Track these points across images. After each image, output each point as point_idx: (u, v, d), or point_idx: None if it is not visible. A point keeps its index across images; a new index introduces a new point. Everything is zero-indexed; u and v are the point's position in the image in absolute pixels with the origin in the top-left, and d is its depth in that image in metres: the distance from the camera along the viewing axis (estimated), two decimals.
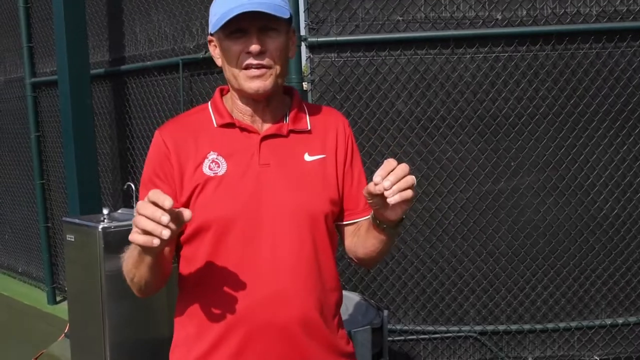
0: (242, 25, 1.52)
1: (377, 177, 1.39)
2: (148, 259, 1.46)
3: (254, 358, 1.57)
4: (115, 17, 4.91)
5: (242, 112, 1.64)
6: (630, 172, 3.63)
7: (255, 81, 1.55)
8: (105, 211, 3.50)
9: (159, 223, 1.27)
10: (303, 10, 3.55)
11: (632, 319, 3.75)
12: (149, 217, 1.27)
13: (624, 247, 3.69)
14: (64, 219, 3.73)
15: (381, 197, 1.42)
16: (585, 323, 3.74)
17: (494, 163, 3.61)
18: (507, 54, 3.56)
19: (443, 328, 3.75)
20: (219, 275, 1.57)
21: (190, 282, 1.63)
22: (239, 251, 1.56)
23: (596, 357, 3.79)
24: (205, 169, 1.59)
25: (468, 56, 3.58)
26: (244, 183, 1.58)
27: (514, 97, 3.58)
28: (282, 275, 1.56)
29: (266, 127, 1.64)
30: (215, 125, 1.63)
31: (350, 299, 3.07)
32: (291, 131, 1.65)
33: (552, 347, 3.78)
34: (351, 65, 3.61)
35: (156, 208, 1.28)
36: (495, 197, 3.63)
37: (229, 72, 1.58)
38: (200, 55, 4.06)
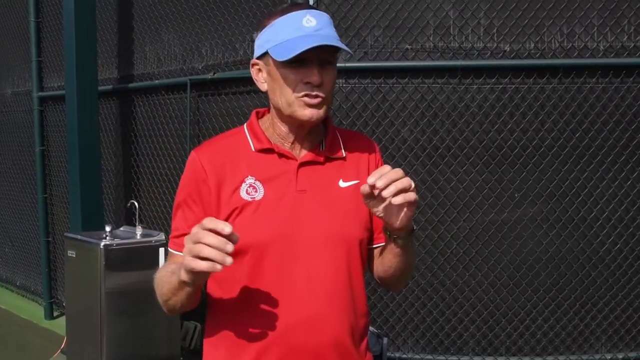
0: (305, 56, 1.53)
1: (370, 178, 1.44)
2: (189, 288, 1.49)
3: None
4: (125, 35, 4.95)
5: (282, 138, 1.67)
6: (634, 207, 3.64)
7: (310, 109, 1.58)
8: (107, 228, 3.51)
9: (222, 251, 1.32)
10: None
11: (632, 355, 3.73)
12: (213, 246, 1.32)
13: (625, 281, 3.68)
14: (65, 234, 3.74)
15: (379, 200, 1.49)
16: (585, 357, 3.72)
17: (497, 194, 3.61)
18: (514, 86, 3.58)
19: (442, 357, 3.72)
20: (254, 298, 1.60)
21: (223, 304, 1.65)
22: (275, 275, 1.59)
23: None
24: (243, 193, 1.62)
25: (475, 86, 3.60)
26: (281, 208, 1.61)
27: (520, 128, 3.59)
28: (317, 300, 1.59)
29: (303, 154, 1.67)
30: (253, 150, 1.66)
31: None
32: (327, 158, 1.68)
33: None
34: (359, 91, 3.63)
35: (219, 237, 1.33)
36: (498, 227, 3.63)
37: (282, 98, 1.59)
38: (209, 76, 4.08)
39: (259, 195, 1.62)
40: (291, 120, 1.62)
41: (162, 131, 4.65)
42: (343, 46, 1.53)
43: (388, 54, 3.61)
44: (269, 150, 1.65)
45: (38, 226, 5.97)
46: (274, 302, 1.59)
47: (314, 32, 1.53)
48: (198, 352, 4.06)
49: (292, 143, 1.66)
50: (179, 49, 4.47)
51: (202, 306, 4.04)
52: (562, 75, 3.57)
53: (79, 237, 3.62)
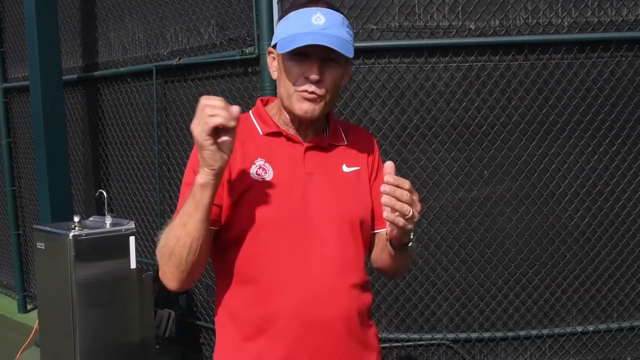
0: (306, 50, 1.59)
1: (388, 177, 1.47)
2: (200, 212, 1.51)
3: (306, 354, 1.63)
4: (88, 22, 4.88)
5: (287, 125, 1.73)
6: (601, 181, 3.67)
7: (306, 103, 1.64)
8: (76, 219, 3.46)
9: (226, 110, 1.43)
10: (277, 18, 3.54)
11: (602, 327, 3.79)
12: (218, 107, 1.42)
13: (594, 255, 3.73)
14: (34, 226, 3.69)
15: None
16: (556, 330, 3.77)
17: (466, 171, 3.63)
18: (480, 64, 3.59)
19: (416, 336, 3.75)
20: (267, 274, 1.64)
21: (235, 282, 1.68)
22: (288, 253, 1.64)
23: None
24: (253, 173, 1.67)
25: (441, 65, 3.60)
26: (291, 189, 1.67)
27: (487, 106, 3.61)
28: (329, 276, 1.65)
29: (309, 139, 1.73)
30: (261, 134, 1.72)
31: None
32: (331, 144, 1.76)
33: (524, 354, 3.80)
34: None
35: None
36: (468, 205, 3.65)
37: (284, 89, 1.67)
38: (174, 62, 4.04)
39: (269, 176, 1.68)
40: (290, 112, 1.69)
41: (130, 119, 4.60)
42: (338, 48, 1.57)
43: (353, 34, 3.58)
44: (277, 134, 1.72)
45: (8, 219, 5.89)
46: (287, 278, 1.63)
47: (319, 31, 1.58)
48: (173, 340, 4.07)
49: (297, 130, 1.73)
50: (143, 35, 4.41)
51: (176, 294, 4.02)
52: (527, 51, 3.58)
53: (47, 228, 3.56)
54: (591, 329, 3.78)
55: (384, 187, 1.46)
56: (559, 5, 3.56)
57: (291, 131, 1.72)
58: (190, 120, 3.83)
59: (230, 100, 3.86)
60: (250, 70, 3.71)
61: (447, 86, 3.60)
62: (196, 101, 4.30)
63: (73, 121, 5.13)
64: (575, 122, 3.63)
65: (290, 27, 1.61)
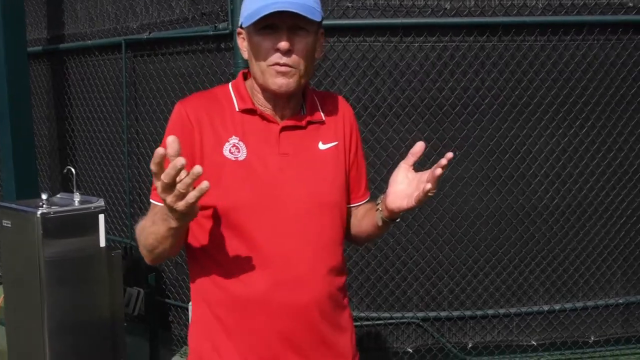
0: (273, 22, 1.54)
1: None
2: (176, 233, 1.50)
3: (276, 337, 1.62)
4: None
5: (261, 105, 1.67)
6: (570, 163, 3.72)
7: (280, 78, 1.58)
8: (44, 196, 3.38)
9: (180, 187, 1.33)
10: None
11: (568, 305, 3.86)
12: (183, 188, 1.32)
13: (562, 236, 3.79)
14: None
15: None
16: (524, 309, 3.84)
17: (439, 152, 3.62)
18: (454, 44, 3.58)
19: (386, 314, 3.78)
20: (240, 257, 1.62)
21: (208, 263, 1.67)
22: (261, 236, 1.61)
23: (533, 342, 3.89)
24: (226, 152, 1.62)
25: (416, 45, 3.58)
26: (264, 170, 1.62)
27: (461, 86, 3.61)
28: (303, 260, 1.63)
29: (285, 118, 1.68)
30: (237, 109, 1.66)
31: None
32: (308, 122, 1.70)
33: (492, 332, 3.86)
34: None
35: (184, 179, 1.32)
36: (440, 186, 3.64)
37: (256, 66, 1.61)
38: (144, 36, 3.95)
39: (242, 155, 1.63)
40: (266, 89, 1.63)
41: (97, 93, 4.50)
42: (303, 12, 1.52)
43: (328, 12, 3.55)
44: (251, 112, 1.67)
45: None
46: (259, 262, 1.61)
47: (283, 0, 1.52)
48: (142, 318, 4.03)
49: (274, 109, 1.68)
50: (112, 7, 4.30)
51: (146, 271, 3.97)
52: (501, 33, 3.58)
53: (13, 206, 3.47)
54: (557, 307, 3.86)
55: (429, 185, 1.53)
56: None
57: (267, 111, 1.67)
58: (161, 95, 3.78)
59: (203, 77, 3.80)
60: (223, 47, 3.65)
61: (422, 66, 3.59)
62: (166, 76, 4.19)
63: (37, 95, 5.00)
64: (547, 104, 3.66)
65: (254, 2, 1.55)
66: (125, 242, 4.22)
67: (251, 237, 1.60)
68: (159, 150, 1.30)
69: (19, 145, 4.16)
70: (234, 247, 1.62)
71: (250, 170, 1.61)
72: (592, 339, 3.94)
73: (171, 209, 1.38)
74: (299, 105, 1.71)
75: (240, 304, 1.62)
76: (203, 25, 3.74)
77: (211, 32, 3.59)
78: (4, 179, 4.24)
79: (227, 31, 3.50)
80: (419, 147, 1.58)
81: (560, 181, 3.74)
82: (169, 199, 1.35)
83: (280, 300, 1.61)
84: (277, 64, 1.56)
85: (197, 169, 1.30)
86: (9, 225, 3.48)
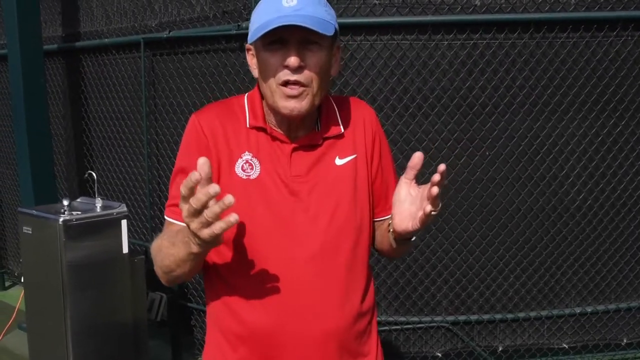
0: (281, 36, 1.42)
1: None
2: (198, 258, 1.43)
3: None
4: None
5: (273, 124, 1.57)
6: (604, 163, 3.62)
7: (291, 101, 1.46)
8: (65, 202, 3.30)
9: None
10: None
11: (600, 308, 3.78)
12: (213, 215, 1.24)
13: (595, 237, 3.69)
14: (19, 209, 3.52)
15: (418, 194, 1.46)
16: (555, 312, 3.75)
17: (469, 153, 3.54)
18: (485, 42, 3.47)
19: (415, 319, 3.70)
20: (253, 283, 1.52)
21: (224, 285, 1.58)
22: (274, 261, 1.51)
23: (565, 345, 3.81)
24: (238, 169, 1.53)
25: (445, 43, 3.47)
26: (277, 192, 1.52)
27: (492, 85, 3.50)
28: (320, 287, 1.52)
29: (299, 137, 1.56)
30: (248, 126, 1.56)
31: None
32: (324, 139, 1.58)
33: (523, 336, 3.78)
34: None
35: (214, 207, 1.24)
36: (471, 187, 3.57)
37: (266, 86, 1.49)
38: (164, 34, 3.84)
39: (255, 173, 1.53)
40: (276, 113, 1.53)
41: (115, 93, 4.40)
42: (312, 26, 1.40)
43: (355, 9, 3.44)
44: (262, 129, 1.55)
45: None
46: (272, 290, 1.52)
47: (292, 13, 1.41)
48: (164, 324, 3.96)
49: (287, 129, 1.56)
50: (129, 4, 4.20)
51: None
52: (533, 30, 3.47)
53: (34, 212, 3.39)
54: (589, 310, 3.77)
55: (429, 206, 1.39)
56: None
57: (279, 130, 1.55)
58: (181, 95, 3.69)
59: (225, 76, 3.70)
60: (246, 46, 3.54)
61: (451, 64, 3.49)
62: (187, 76, 4.11)
63: (53, 93, 4.90)
64: (580, 102, 3.56)
65: (262, 16, 1.44)
66: (146, 246, 4.14)
67: (263, 263, 1.51)
68: (194, 175, 1.22)
69: (35, 147, 4.07)
70: (245, 273, 1.53)
71: (263, 191, 1.52)
72: (625, 341, 3.85)
73: (194, 234, 1.29)
74: (313, 121, 1.59)
75: (252, 333, 1.54)
76: (225, 24, 3.64)
77: (234, 32, 3.49)
78: (22, 182, 4.16)
79: None
80: (417, 158, 1.45)
81: (593, 181, 3.64)
82: (194, 224, 1.27)
83: (293, 330, 1.52)
84: (287, 82, 1.44)
85: (229, 198, 1.22)
86: (30, 232, 3.41)
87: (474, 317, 3.71)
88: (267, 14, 1.43)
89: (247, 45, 1.56)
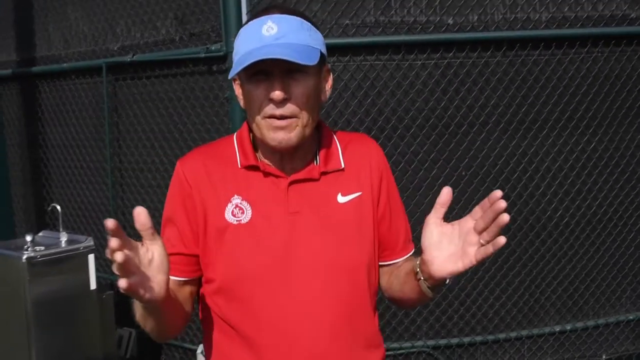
0: (264, 67, 1.33)
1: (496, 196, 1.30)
2: (154, 317, 1.35)
3: None
4: (23, 12, 4.43)
5: (266, 159, 1.47)
6: (579, 179, 3.61)
7: (279, 133, 1.38)
8: (28, 238, 3.13)
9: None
10: (246, 12, 3.28)
11: (579, 325, 3.75)
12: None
13: (572, 254, 3.67)
14: None
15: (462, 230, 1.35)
16: (535, 331, 3.71)
17: (447, 173, 3.49)
18: (458, 61, 3.44)
19: (396, 345, 3.61)
20: (250, 333, 1.42)
21: (221, 335, 1.48)
22: (270, 311, 1.41)
23: None
24: (228, 214, 1.43)
25: (419, 62, 3.42)
26: (271, 233, 1.41)
27: (466, 104, 3.46)
28: (320, 336, 1.42)
29: (295, 171, 1.46)
30: (239, 166, 1.46)
31: None
32: (323, 173, 1.47)
33: (503, 357, 3.73)
34: None
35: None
36: (449, 208, 3.50)
37: (252, 120, 1.41)
38: (128, 58, 3.70)
39: (246, 217, 1.43)
40: (265, 145, 1.44)
41: (75, 119, 4.22)
42: (292, 58, 1.31)
43: (327, 30, 3.37)
44: (254, 168, 1.46)
45: None
46: (271, 341, 1.41)
47: (273, 42, 1.34)
48: None
49: (280, 162, 1.46)
50: (89, 28, 4.03)
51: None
52: (506, 48, 3.45)
53: None
54: (568, 327, 3.74)
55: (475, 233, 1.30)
56: (537, 0, 3.45)
57: (272, 166, 1.47)
58: (147, 121, 3.54)
59: (193, 101, 3.57)
60: (215, 69, 3.43)
61: (425, 84, 3.43)
62: (152, 101, 3.98)
63: (8, 120, 4.68)
64: (554, 120, 3.54)
65: (242, 45, 1.38)
66: (112, 279, 3.96)
67: (258, 311, 1.42)
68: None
69: None
70: (241, 322, 1.44)
71: (255, 234, 1.43)
72: (604, 357, 3.84)
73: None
74: (311, 153, 1.50)
75: None
76: (192, 47, 3.52)
77: (203, 54, 3.37)
78: None
79: (222, 53, 3.28)
80: (446, 195, 1.36)
81: (569, 198, 3.62)
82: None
83: None
84: (273, 116, 1.37)
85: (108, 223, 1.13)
86: None
87: (454, 341, 3.64)
88: (248, 43, 1.37)
89: (233, 76, 1.47)
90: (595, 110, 3.57)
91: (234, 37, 3.16)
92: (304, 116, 1.39)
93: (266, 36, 1.35)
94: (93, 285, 3.22)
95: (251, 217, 1.43)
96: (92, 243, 3.22)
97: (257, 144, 1.49)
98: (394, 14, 3.39)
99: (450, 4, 3.40)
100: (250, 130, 1.48)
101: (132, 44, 3.80)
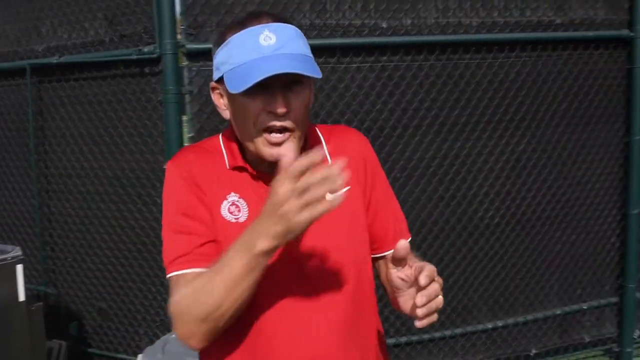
0: (265, 81, 1.27)
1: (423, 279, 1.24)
2: (254, 276, 1.26)
3: None
4: None
5: (254, 163, 1.44)
6: (509, 180, 3.72)
7: (276, 148, 1.34)
8: None
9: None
10: (179, 13, 3.21)
11: (510, 321, 3.86)
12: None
13: (503, 253, 3.78)
14: None
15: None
16: (469, 329, 3.80)
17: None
18: (393, 64, 3.48)
19: None
20: (252, 338, 1.38)
21: (222, 342, 1.40)
22: (272, 313, 1.37)
23: None
24: (224, 211, 1.39)
25: (354, 65, 3.44)
26: None
27: (400, 107, 3.51)
28: (323, 337, 1.39)
29: None
30: (228, 167, 1.42)
31: None
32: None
33: (438, 355, 3.80)
34: None
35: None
36: None
37: (244, 133, 1.36)
38: (54, 60, 3.56)
39: (243, 216, 1.39)
40: (258, 157, 1.40)
41: None
42: (304, 71, 1.29)
43: None
44: (243, 169, 1.43)
45: None
46: (269, 344, 1.38)
47: (273, 52, 1.29)
48: None
49: (269, 164, 1.41)
50: (11, 27, 3.85)
51: (66, 321, 3.61)
52: (439, 52, 3.52)
53: None
54: (500, 324, 3.84)
55: (420, 299, 1.24)
56: (468, 5, 3.53)
57: (260, 169, 1.43)
58: (75, 125, 3.41)
59: (125, 104, 3.47)
60: (147, 71, 3.34)
61: (360, 87, 3.46)
62: (80, 104, 3.82)
63: None
64: (485, 122, 3.64)
65: (236, 55, 1.32)
66: (40, 290, 3.80)
67: (261, 316, 1.38)
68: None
69: None
70: (242, 327, 1.39)
71: None
72: (533, 351, 3.96)
73: (285, 220, 1.19)
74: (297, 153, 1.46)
75: None
76: (123, 48, 3.42)
77: (135, 56, 3.28)
78: None
79: (155, 55, 3.20)
80: (402, 250, 1.29)
81: (500, 198, 3.72)
82: (292, 205, 1.17)
83: None
84: (272, 129, 1.33)
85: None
86: None
87: (391, 341, 3.67)
88: (245, 53, 1.30)
89: (212, 84, 1.43)
90: (524, 113, 3.69)
91: (169, 40, 3.11)
92: (300, 128, 1.36)
93: (264, 46, 1.30)
94: (22, 296, 3.07)
95: (248, 216, 1.39)
96: (20, 253, 3.07)
97: (245, 150, 1.44)
98: (329, 17, 3.40)
99: (385, 8, 3.43)
100: (237, 139, 1.44)
101: (58, 45, 3.65)
